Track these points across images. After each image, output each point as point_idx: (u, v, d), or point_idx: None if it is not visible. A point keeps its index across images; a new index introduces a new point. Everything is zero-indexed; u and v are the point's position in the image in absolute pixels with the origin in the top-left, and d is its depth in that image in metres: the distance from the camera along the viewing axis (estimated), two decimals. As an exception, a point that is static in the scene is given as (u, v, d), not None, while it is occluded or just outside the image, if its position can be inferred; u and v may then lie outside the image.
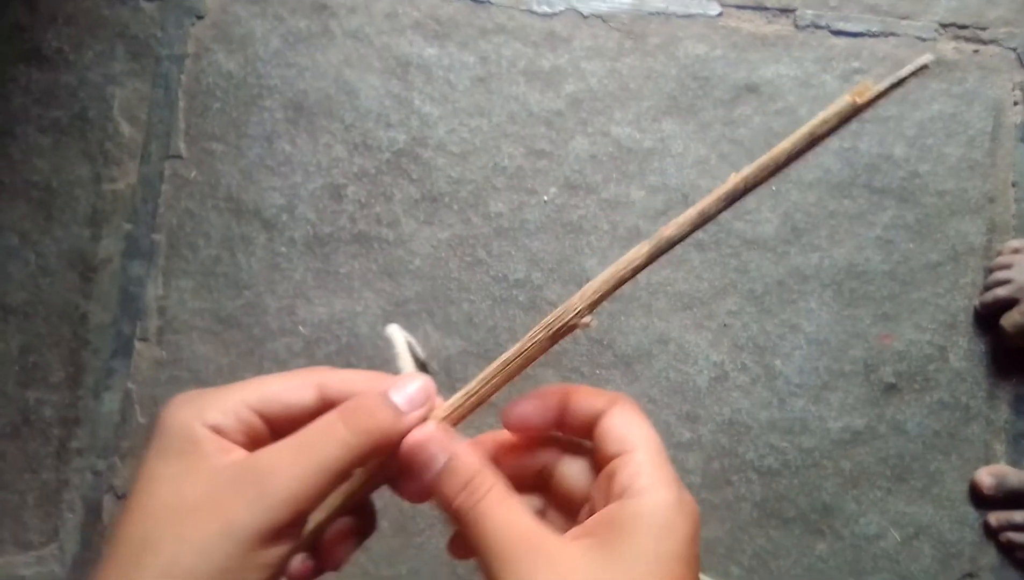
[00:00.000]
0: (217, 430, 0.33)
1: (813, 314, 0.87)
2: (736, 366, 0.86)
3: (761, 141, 0.88)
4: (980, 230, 0.88)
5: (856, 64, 0.89)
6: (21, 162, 0.89)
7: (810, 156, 0.83)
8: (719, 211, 0.35)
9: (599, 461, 0.36)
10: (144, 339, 0.87)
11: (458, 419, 0.38)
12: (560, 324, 0.36)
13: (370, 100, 0.90)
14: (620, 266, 0.36)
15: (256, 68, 0.90)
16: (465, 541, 0.34)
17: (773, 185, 0.88)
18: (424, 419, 0.36)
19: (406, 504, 0.86)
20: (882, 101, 0.33)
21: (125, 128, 0.90)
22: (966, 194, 0.88)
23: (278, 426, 0.35)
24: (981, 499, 0.84)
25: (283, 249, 0.88)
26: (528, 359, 0.37)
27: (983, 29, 0.90)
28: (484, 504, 0.33)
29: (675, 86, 0.90)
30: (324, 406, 0.35)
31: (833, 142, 0.88)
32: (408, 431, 0.35)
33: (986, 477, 0.83)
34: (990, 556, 0.84)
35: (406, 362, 0.38)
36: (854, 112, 0.33)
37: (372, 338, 0.86)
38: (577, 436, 0.37)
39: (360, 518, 0.38)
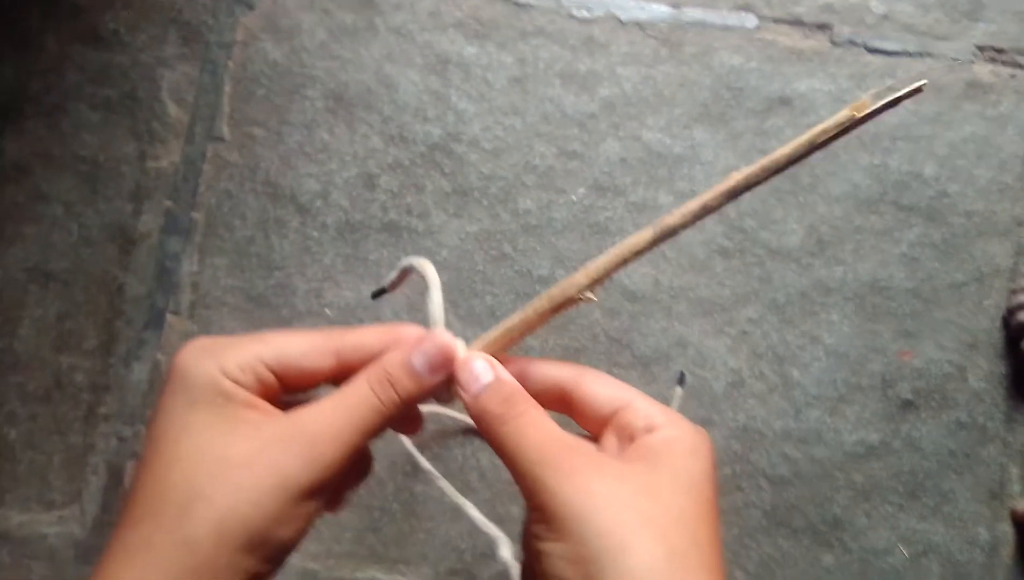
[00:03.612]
0: (236, 382, 0.34)
1: (834, 327, 0.84)
2: (754, 374, 0.84)
3: (790, 153, 0.86)
4: (1007, 253, 0.84)
5: (890, 82, 0.86)
6: (71, 136, 0.90)
7: (839, 171, 0.81)
8: (720, 205, 0.37)
9: (592, 425, 0.37)
10: (176, 313, 0.87)
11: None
12: (563, 297, 0.37)
13: (409, 94, 0.89)
14: (623, 248, 0.37)
15: (301, 58, 0.90)
16: (500, 451, 0.34)
17: (800, 197, 0.86)
18: (442, 381, 0.36)
19: (419, 490, 0.85)
20: (878, 116, 0.34)
21: (172, 109, 0.90)
22: (995, 216, 0.85)
23: (289, 382, 0.35)
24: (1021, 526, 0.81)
25: (315, 233, 0.87)
26: (529, 327, 0.37)
27: (1021, 53, 0.87)
28: (526, 417, 0.34)
29: (708, 95, 0.88)
30: (341, 370, 0.36)
31: (863, 158, 0.86)
32: (431, 392, 0.36)
33: (1021, 507, 0.81)
34: (1000, 580, 0.81)
35: (437, 308, 0.39)
36: (852, 125, 0.34)
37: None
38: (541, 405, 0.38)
39: (359, 462, 0.39)
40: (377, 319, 0.85)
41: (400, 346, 0.37)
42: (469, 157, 0.87)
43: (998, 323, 0.83)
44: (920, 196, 0.85)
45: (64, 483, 0.85)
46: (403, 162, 0.88)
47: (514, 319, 0.38)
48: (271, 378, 0.35)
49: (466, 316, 0.85)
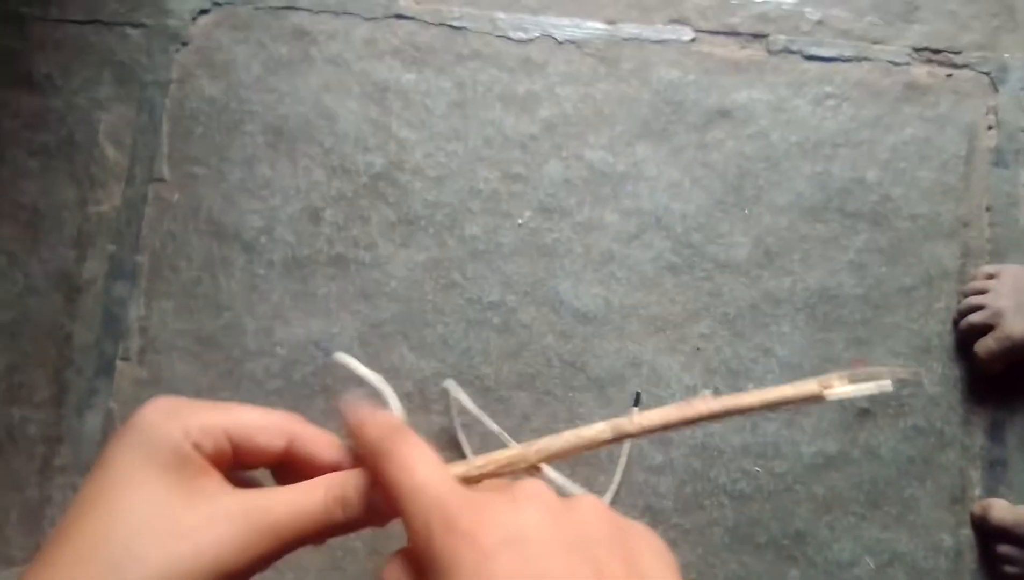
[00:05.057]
0: (196, 446, 0.34)
1: (786, 338, 0.83)
2: (709, 389, 0.83)
3: (733, 165, 0.85)
4: (954, 254, 0.83)
5: (829, 88, 0.86)
6: (10, 184, 0.88)
7: (783, 181, 0.80)
8: (679, 428, 0.36)
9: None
10: (126, 359, 0.85)
11: None
12: (509, 468, 0.37)
13: (348, 124, 0.88)
14: (578, 439, 0.36)
15: (238, 93, 0.89)
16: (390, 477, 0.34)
17: (745, 209, 0.85)
18: (383, 522, 0.37)
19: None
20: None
21: (111, 152, 0.89)
22: (940, 218, 0.84)
23: (241, 454, 0.36)
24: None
25: (262, 271, 0.86)
26: (473, 481, 0.38)
27: (956, 53, 0.87)
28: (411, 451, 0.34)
29: (648, 111, 0.87)
30: (287, 457, 0.37)
31: (806, 167, 0.85)
32: (367, 526, 0.36)
33: (976, 508, 0.80)
34: (966, 584, 0.81)
35: None
36: (814, 400, 0.35)
37: (348, 359, 0.84)
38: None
39: None
40: (330, 356, 0.84)
41: (344, 468, 0.37)
42: (413, 185, 0.86)
43: (949, 326, 0.83)
44: (864, 201, 0.84)
45: (22, 538, 0.84)
46: (347, 194, 0.86)
47: (457, 470, 0.38)
48: (228, 448, 0.35)
49: (418, 346, 0.84)
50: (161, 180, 0.87)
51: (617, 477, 0.80)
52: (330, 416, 0.36)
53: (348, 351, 0.84)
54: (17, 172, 0.88)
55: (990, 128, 0.85)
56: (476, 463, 0.37)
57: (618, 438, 0.36)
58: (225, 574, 0.31)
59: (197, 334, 0.85)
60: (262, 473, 0.39)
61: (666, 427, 0.37)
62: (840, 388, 0.35)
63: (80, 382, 0.85)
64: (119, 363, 0.85)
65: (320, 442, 0.37)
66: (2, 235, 0.87)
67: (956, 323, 0.82)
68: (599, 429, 0.37)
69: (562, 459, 0.37)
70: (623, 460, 0.81)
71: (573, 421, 0.83)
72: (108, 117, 0.89)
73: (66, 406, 0.85)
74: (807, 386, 0.35)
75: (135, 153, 0.88)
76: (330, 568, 0.81)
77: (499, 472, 0.36)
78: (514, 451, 0.36)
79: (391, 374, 0.83)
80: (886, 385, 0.35)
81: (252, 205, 0.86)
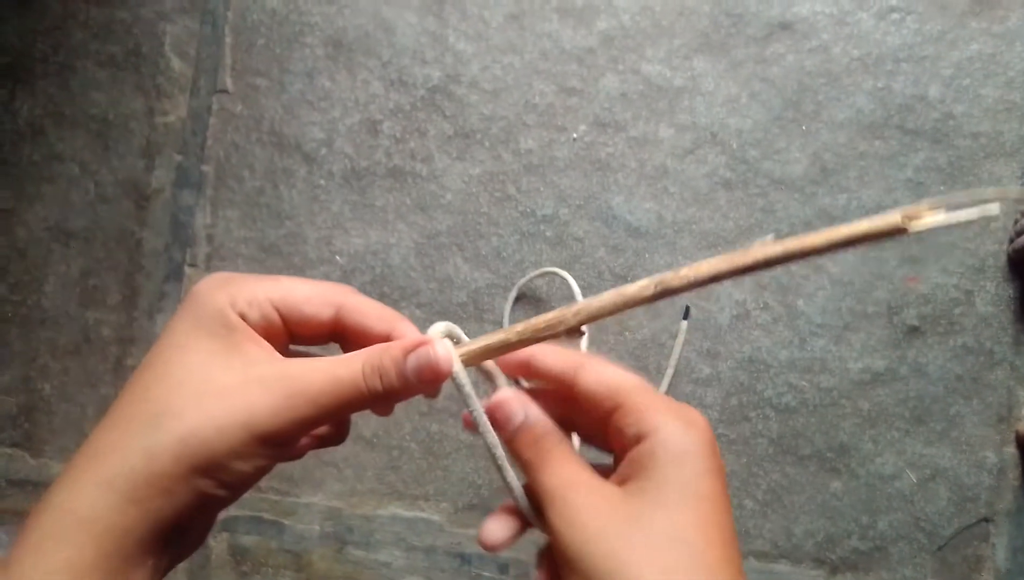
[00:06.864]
0: (242, 316, 0.35)
1: (838, 255, 0.84)
2: (758, 305, 0.84)
3: (793, 80, 0.85)
4: (1014, 173, 0.82)
5: (894, 1, 0.84)
6: (80, 95, 0.91)
7: (842, 96, 0.79)
8: (731, 277, 0.33)
9: (592, 422, 0.38)
10: (193, 265, 0.89)
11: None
12: (549, 331, 0.36)
13: (406, 37, 0.89)
14: (620, 297, 0.35)
15: (298, 5, 0.90)
16: (531, 487, 0.36)
17: (803, 125, 0.85)
18: (426, 391, 0.37)
19: (435, 428, 0.87)
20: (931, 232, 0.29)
21: (176, 63, 0.91)
22: (1001, 137, 0.82)
23: (292, 325, 0.37)
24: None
25: (322, 182, 0.88)
26: (509, 349, 0.37)
27: (1030, -36, 0.84)
28: (551, 457, 0.35)
29: (707, 23, 0.86)
30: (336, 326, 0.37)
31: (867, 82, 0.84)
32: (415, 394, 0.36)
33: (1022, 426, 0.81)
34: (1007, 501, 0.82)
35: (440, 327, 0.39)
36: (899, 232, 0.29)
37: (404, 269, 0.87)
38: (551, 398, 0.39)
39: (336, 429, 0.40)
40: (387, 266, 0.87)
41: (395, 339, 0.37)
42: (469, 98, 0.87)
43: (1005, 245, 0.82)
44: (925, 119, 0.83)
45: (98, 431, 0.89)
46: (404, 107, 0.88)
47: (496, 337, 0.37)
48: (276, 318, 0.36)
49: (472, 257, 0.86)
50: (224, 91, 0.90)
51: (664, 386, 0.83)
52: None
53: (404, 261, 0.87)
54: (87, 83, 0.91)
55: (1061, 44, 0.83)
56: (516, 329, 0.36)
57: (662, 294, 0.34)
58: (258, 434, 0.33)
59: (260, 242, 0.88)
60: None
61: (716, 278, 0.33)
62: (931, 218, 0.29)
63: (150, 286, 0.89)
64: (187, 269, 0.89)
65: (370, 312, 0.38)
66: (74, 144, 0.90)
67: (1011, 242, 0.81)
68: (642, 285, 0.34)
69: (604, 319, 0.35)
70: (670, 372, 0.83)
71: (622, 334, 0.85)
72: (173, 29, 0.91)
73: (137, 309, 0.89)
74: (887, 218, 0.29)
75: (199, 64, 0.90)
76: (386, 467, 0.85)
77: (538, 337, 0.36)
78: (552, 314, 0.35)
79: (445, 285, 0.86)
80: (991, 209, 0.29)
81: (312, 117, 0.88)
